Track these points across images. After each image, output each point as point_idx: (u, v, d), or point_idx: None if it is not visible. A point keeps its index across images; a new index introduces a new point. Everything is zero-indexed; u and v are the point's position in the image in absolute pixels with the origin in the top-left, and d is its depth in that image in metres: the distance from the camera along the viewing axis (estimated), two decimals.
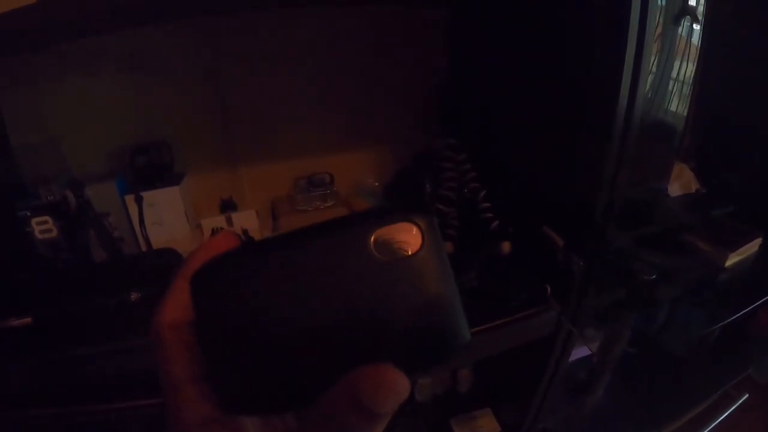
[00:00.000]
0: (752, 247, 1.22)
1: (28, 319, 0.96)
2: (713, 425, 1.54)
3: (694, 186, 1.39)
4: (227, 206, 1.23)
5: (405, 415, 1.44)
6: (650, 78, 0.98)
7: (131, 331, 0.90)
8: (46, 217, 1.12)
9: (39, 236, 1.13)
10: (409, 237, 0.30)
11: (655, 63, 1.09)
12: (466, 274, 1.01)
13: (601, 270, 0.97)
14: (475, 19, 1.20)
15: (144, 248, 1.20)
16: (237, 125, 1.25)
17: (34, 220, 1.12)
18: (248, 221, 1.20)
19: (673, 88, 1.23)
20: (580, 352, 1.34)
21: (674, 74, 1.22)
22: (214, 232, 1.18)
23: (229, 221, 1.20)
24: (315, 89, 1.27)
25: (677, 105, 1.27)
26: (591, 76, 0.85)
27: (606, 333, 1.35)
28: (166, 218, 1.18)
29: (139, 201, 1.16)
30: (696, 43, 1.23)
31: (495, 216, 1.12)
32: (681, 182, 1.39)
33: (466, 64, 1.28)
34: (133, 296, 0.94)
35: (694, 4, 1.14)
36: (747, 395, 1.60)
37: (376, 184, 1.32)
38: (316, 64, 1.24)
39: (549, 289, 0.99)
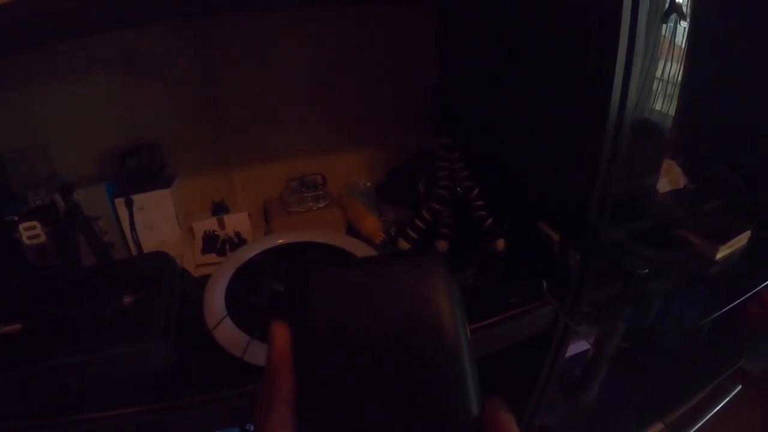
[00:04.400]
0: (741, 239, 1.22)
1: (18, 325, 0.93)
2: (708, 417, 1.55)
3: (682, 181, 1.39)
4: (219, 209, 1.20)
5: None
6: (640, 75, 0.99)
7: (126, 336, 0.89)
8: (35, 222, 1.10)
9: (27, 242, 1.10)
10: None
11: (645, 61, 1.10)
12: (463, 272, 1.01)
13: (596, 265, 0.97)
14: (466, 18, 1.19)
15: (135, 252, 1.17)
16: (229, 127, 1.22)
17: (21, 226, 1.09)
18: (240, 224, 1.17)
19: (660, 86, 1.25)
20: (574, 348, 1.35)
21: (660, 72, 1.23)
22: (206, 234, 1.16)
23: (221, 224, 1.16)
24: (306, 90, 1.24)
25: (664, 102, 1.28)
26: (583, 74, 0.84)
27: (600, 328, 1.36)
28: (157, 221, 1.15)
29: (129, 204, 1.13)
30: (682, 41, 1.24)
31: (489, 214, 1.11)
32: (669, 178, 1.40)
33: (457, 63, 1.26)
34: (126, 300, 0.93)
35: (681, 2, 1.15)
36: (740, 386, 1.61)
37: (368, 184, 1.31)
38: (307, 65, 1.22)
39: (545, 285, 0.98)
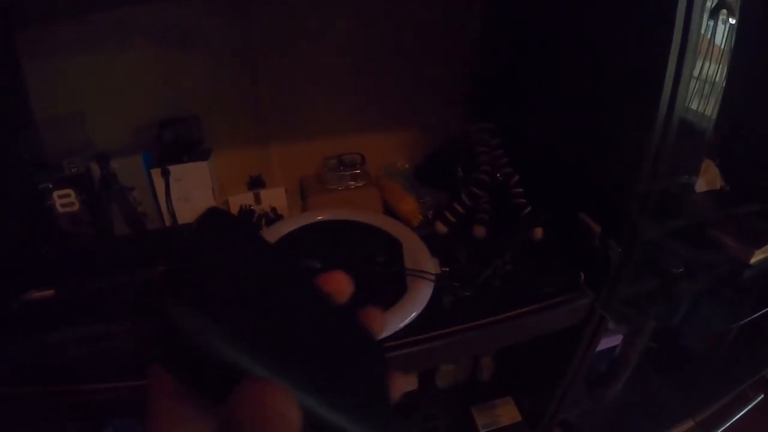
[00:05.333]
0: None
1: (50, 292, 0.92)
2: (728, 425, 1.53)
3: (719, 183, 1.38)
4: (256, 183, 1.17)
5: (426, 401, 1.42)
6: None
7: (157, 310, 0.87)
8: (69, 190, 1.09)
9: (60, 209, 1.09)
10: None
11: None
12: (501, 258, 0.99)
13: (635, 259, 0.96)
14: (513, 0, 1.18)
15: (168, 224, 1.15)
16: (268, 102, 1.20)
17: (56, 193, 1.08)
18: (276, 199, 1.15)
19: (700, 85, 1.22)
20: (602, 344, 1.33)
21: (699, 71, 1.21)
22: (242, 209, 1.15)
23: (257, 199, 1.15)
24: (347, 69, 1.22)
25: (708, 101, 1.26)
26: (635, 68, 0.82)
27: (631, 326, 1.34)
28: (193, 194, 1.13)
29: (165, 175, 1.11)
30: (722, 39, 1.22)
31: (527, 202, 1.10)
32: (706, 178, 1.37)
33: (501, 46, 1.23)
34: (161, 270, 0.92)
35: None
36: (762, 396, 1.59)
37: (407, 165, 1.29)
38: (349, 44, 1.20)
39: (582, 277, 0.96)
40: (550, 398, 1.19)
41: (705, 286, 1.18)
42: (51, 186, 1.08)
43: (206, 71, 1.14)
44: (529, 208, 1.07)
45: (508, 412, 1.35)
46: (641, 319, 1.32)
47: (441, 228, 1.08)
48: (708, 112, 1.14)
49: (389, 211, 1.16)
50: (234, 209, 1.13)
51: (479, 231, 1.07)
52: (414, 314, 0.83)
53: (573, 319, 0.98)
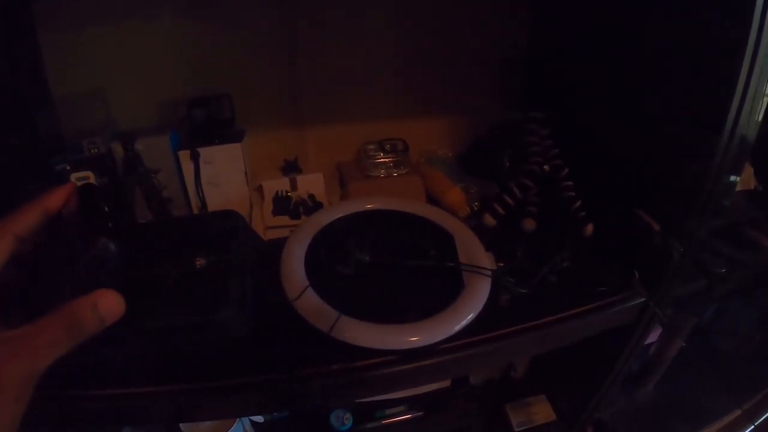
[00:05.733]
0: None
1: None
2: (754, 426, 1.51)
3: (753, 183, 1.35)
4: (291, 168, 1.09)
5: (459, 398, 1.38)
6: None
7: (199, 303, 0.79)
8: (88, 173, 1.01)
9: None
10: None
11: None
12: (559, 255, 0.94)
13: (690, 259, 0.90)
14: None
15: (196, 210, 1.07)
16: (305, 81, 1.12)
17: (74, 175, 1.00)
18: (314, 185, 1.07)
19: None
20: None
21: None
22: (277, 195, 1.07)
23: (294, 184, 1.07)
24: (389, 50, 1.14)
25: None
26: (705, 64, 0.78)
27: (669, 324, 1.31)
28: (224, 178, 1.06)
29: (195, 157, 1.03)
30: None
31: (577, 196, 1.04)
32: (742, 177, 1.35)
33: (552, 29, 1.17)
34: (198, 262, 0.83)
35: None
36: None
37: (450, 154, 1.23)
38: (392, 24, 1.12)
39: (636, 275, 0.91)
40: (589, 398, 1.14)
41: (742, 287, 1.14)
42: (68, 168, 1.01)
43: (242, 46, 1.06)
44: (579, 202, 1.00)
45: (542, 411, 1.32)
46: (681, 319, 1.28)
47: (489, 220, 1.02)
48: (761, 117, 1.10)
49: (432, 201, 1.09)
50: (268, 195, 1.06)
51: (529, 224, 1.01)
52: (472, 315, 0.78)
53: (624, 318, 0.94)
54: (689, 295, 1.01)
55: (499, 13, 1.15)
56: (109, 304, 0.47)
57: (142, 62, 1.05)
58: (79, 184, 0.97)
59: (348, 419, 1.27)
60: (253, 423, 1.27)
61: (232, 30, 1.05)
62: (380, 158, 1.10)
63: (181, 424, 1.15)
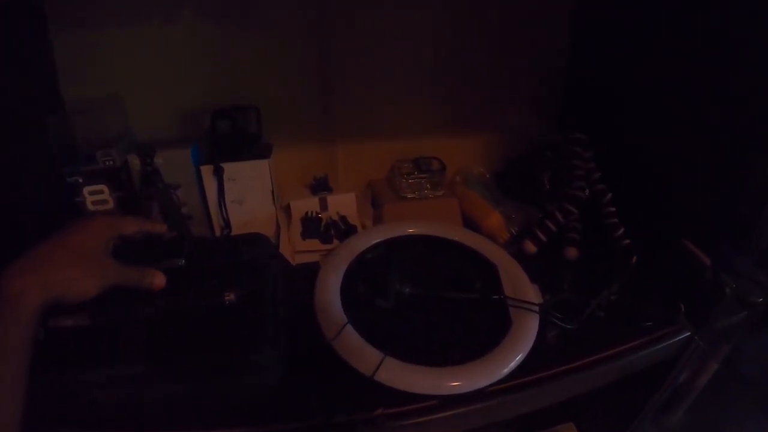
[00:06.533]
0: None
1: (85, 319, 0.77)
2: None
3: None
4: (321, 186, 1.02)
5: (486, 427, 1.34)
6: None
7: (230, 343, 0.72)
8: (102, 186, 0.97)
9: (91, 207, 0.97)
10: None
11: None
12: (607, 289, 0.89)
13: (738, 292, 0.87)
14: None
15: (218, 229, 1.01)
16: (336, 94, 1.06)
17: (86, 189, 0.96)
18: (346, 206, 1.01)
19: None
20: None
21: None
22: (307, 216, 1.01)
23: (324, 204, 1.01)
24: (424, 66, 1.09)
25: None
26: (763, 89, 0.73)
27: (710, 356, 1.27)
28: (249, 196, 1.00)
29: (218, 173, 0.97)
30: None
31: (620, 223, 0.98)
32: None
33: (596, 51, 1.12)
34: (228, 297, 0.77)
35: None
36: None
37: (487, 175, 1.17)
38: (428, 40, 1.07)
39: (683, 308, 0.87)
40: (623, 428, 1.09)
41: None
42: (81, 180, 0.96)
43: (271, 55, 1.01)
44: (622, 230, 0.95)
45: None
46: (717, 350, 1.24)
47: (530, 247, 0.97)
48: None
49: (469, 224, 1.03)
50: (296, 216, 1.00)
51: (571, 253, 0.96)
52: (521, 356, 0.73)
53: (669, 353, 0.89)
54: (729, 326, 0.97)
55: (539, 31, 1.10)
56: (159, 279, 0.71)
57: (162, 68, 1.00)
58: (92, 198, 0.91)
59: None
60: None
61: (260, 37, 0.99)
62: (415, 177, 1.03)
63: None
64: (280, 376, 0.70)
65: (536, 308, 0.79)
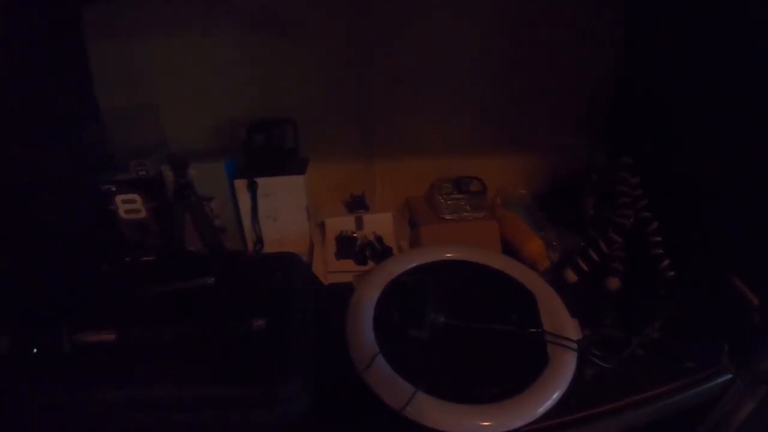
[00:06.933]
0: None
1: (111, 336, 0.75)
2: None
3: None
4: (358, 204, 1.00)
5: None
6: None
7: (255, 373, 0.70)
8: (135, 195, 0.97)
9: (124, 216, 0.98)
10: None
11: None
12: (649, 326, 0.85)
13: None
14: (664, 16, 1.02)
15: (250, 244, 1.01)
16: (376, 110, 1.05)
17: (119, 198, 0.97)
18: (382, 226, 0.99)
19: None
20: None
21: None
22: (342, 235, 0.98)
23: (360, 223, 0.99)
24: (466, 83, 1.06)
25: None
26: None
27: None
28: (283, 212, 0.98)
29: (252, 188, 0.96)
30: None
31: (665, 254, 0.94)
32: None
33: (644, 68, 1.06)
34: (256, 324, 0.75)
35: None
36: None
37: (528, 196, 1.13)
38: (471, 57, 1.04)
39: (726, 348, 0.82)
40: None
41: None
42: (114, 189, 0.97)
43: (309, 67, 1.00)
44: (667, 261, 0.91)
45: None
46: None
47: (571, 277, 0.94)
48: None
49: (508, 248, 1.00)
50: (331, 235, 0.98)
51: (614, 283, 0.92)
52: (557, 395, 0.69)
53: (709, 395, 0.84)
54: None
55: (587, 50, 1.06)
56: None
57: (199, 79, 1.00)
58: (125, 207, 0.91)
59: None
60: None
61: (300, 50, 0.99)
62: (454, 198, 1.01)
63: None
64: (307, 407, 0.68)
65: (575, 345, 0.75)
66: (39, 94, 0.86)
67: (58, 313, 0.79)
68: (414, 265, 0.88)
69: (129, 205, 0.98)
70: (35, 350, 0.76)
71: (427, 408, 0.67)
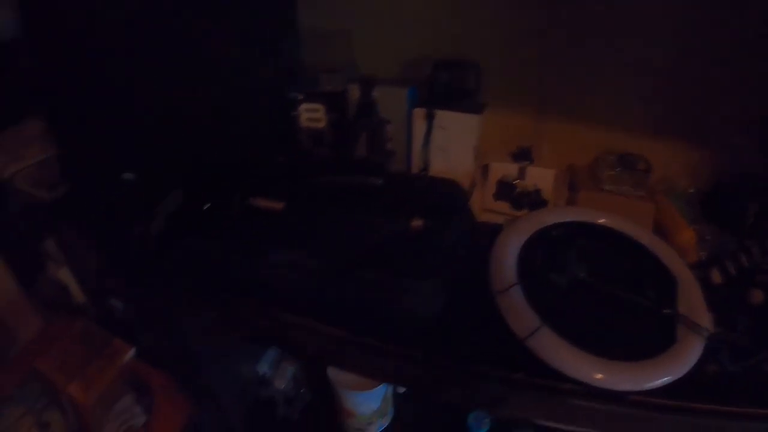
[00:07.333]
0: None
1: (279, 205, 0.85)
2: None
3: None
4: (524, 156, 1.04)
5: None
6: None
7: (406, 266, 0.78)
8: (319, 106, 1.04)
9: (305, 123, 1.05)
10: None
11: None
12: None
13: None
14: None
15: (417, 169, 1.07)
16: (556, 71, 1.07)
17: (303, 106, 1.04)
18: (544, 180, 1.02)
19: None
20: None
21: None
22: (503, 180, 1.04)
23: (523, 173, 1.03)
24: (652, 60, 1.04)
25: None
26: None
27: None
28: (453, 146, 1.04)
29: (430, 118, 1.02)
30: None
31: None
32: None
33: None
34: (414, 224, 0.83)
35: None
36: None
37: (691, 190, 1.13)
38: (661, 39, 1.02)
39: None
40: None
41: None
42: (301, 97, 1.05)
43: (498, 16, 1.04)
44: None
45: None
46: None
47: (716, 277, 0.92)
48: None
49: (659, 234, 1.00)
50: (493, 177, 1.04)
51: (756, 296, 0.90)
52: (673, 375, 0.69)
53: None
54: None
55: None
56: None
57: (394, 11, 1.07)
58: (307, 115, 1.00)
59: (486, 424, 1.23)
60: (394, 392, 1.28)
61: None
62: (617, 172, 1.02)
63: (329, 369, 1.20)
64: (437, 310, 0.73)
65: (707, 334, 0.75)
66: (246, 13, 0.99)
67: (233, 182, 0.89)
68: (567, 219, 0.90)
69: (311, 114, 1.05)
70: (206, 207, 0.87)
71: (548, 343, 0.70)
